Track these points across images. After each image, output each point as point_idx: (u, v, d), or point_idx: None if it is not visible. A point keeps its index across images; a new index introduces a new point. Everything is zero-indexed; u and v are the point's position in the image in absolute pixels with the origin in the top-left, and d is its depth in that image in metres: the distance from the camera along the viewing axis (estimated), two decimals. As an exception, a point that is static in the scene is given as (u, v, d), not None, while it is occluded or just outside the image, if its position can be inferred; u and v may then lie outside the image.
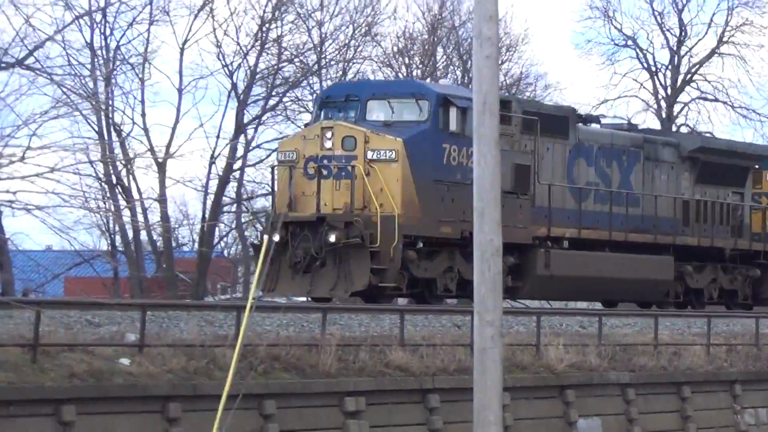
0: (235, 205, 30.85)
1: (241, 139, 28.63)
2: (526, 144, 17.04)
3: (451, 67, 33.93)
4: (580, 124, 19.05)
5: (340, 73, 30.20)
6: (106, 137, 24.78)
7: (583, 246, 18.48)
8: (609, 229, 18.73)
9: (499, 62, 32.40)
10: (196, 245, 32.75)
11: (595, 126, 20.15)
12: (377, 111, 15.58)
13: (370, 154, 14.97)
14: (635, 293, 20.32)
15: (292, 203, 15.36)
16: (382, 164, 14.95)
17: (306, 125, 17.37)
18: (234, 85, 28.51)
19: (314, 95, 24.97)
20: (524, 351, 12.62)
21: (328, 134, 15.23)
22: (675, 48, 38.48)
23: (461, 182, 15.04)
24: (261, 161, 29.52)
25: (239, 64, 28.82)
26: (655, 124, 35.79)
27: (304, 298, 16.04)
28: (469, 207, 14.35)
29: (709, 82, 38.84)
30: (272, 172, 17.29)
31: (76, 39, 25.32)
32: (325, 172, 15.19)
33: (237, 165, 28.55)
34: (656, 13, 38.19)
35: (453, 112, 15.24)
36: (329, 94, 17.92)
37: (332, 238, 14.58)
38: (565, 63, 78.83)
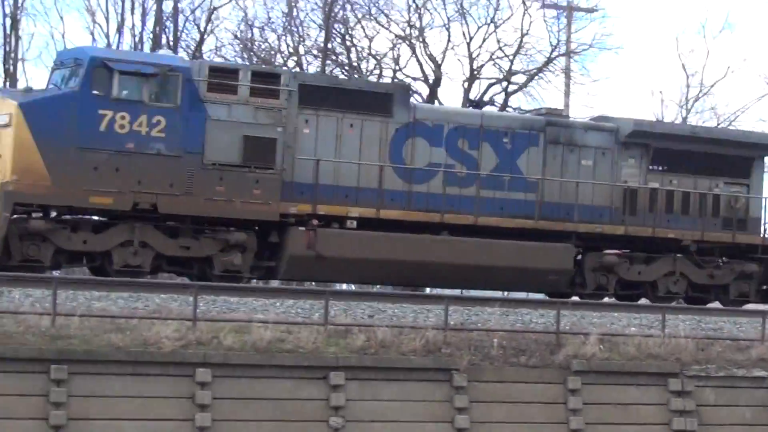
0: None
1: None
2: (307, 119, 16.35)
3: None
4: (425, 105, 17.59)
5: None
6: None
7: (417, 228, 16.52)
8: (470, 212, 16.77)
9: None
10: None
11: (447, 108, 18.16)
12: (56, 79, 15.87)
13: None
14: (500, 281, 17.51)
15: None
16: (-1, 130, 14.63)
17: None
18: None
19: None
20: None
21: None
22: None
23: (134, 151, 14.62)
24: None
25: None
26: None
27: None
28: (147, 176, 14.65)
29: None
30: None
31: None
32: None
33: None
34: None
35: (115, 78, 14.70)
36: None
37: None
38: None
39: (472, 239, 16.82)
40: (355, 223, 16.24)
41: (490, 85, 29.45)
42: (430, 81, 28.86)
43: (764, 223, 19.50)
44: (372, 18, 29.33)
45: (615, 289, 17.75)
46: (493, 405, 12.13)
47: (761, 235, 19.01)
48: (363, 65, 29.88)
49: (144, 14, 29.40)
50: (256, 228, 15.99)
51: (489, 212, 17.21)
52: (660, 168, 18.72)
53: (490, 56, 29.41)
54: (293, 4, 29.67)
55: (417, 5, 28.83)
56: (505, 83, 29.62)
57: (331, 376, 11.41)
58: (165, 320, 11.48)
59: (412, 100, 17.68)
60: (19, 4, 28.72)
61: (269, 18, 29.96)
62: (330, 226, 16.12)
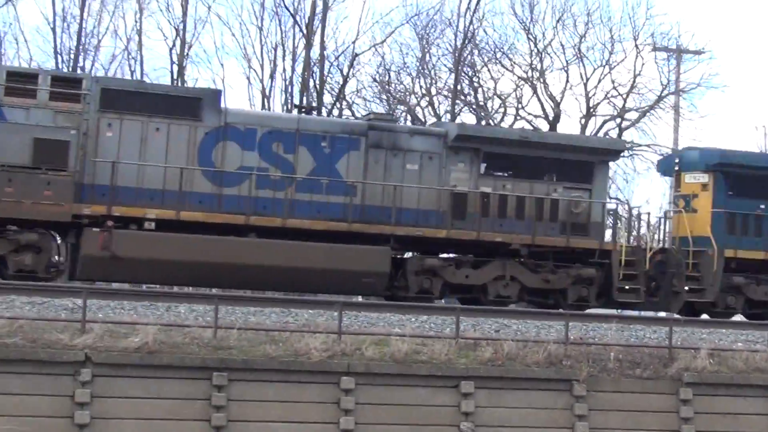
0: None
1: None
2: (110, 123, 16.38)
3: None
4: (240, 110, 17.69)
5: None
6: None
7: (226, 230, 16.38)
8: (280, 215, 16.63)
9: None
10: None
11: (261, 113, 18.20)
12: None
13: None
14: (313, 283, 16.98)
15: None
16: None
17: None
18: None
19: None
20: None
21: None
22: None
23: None
24: None
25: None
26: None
27: None
28: None
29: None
30: None
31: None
32: None
33: None
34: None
35: None
36: None
37: None
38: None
39: (279, 242, 16.60)
40: (153, 224, 16.15)
41: (605, 122, 32.93)
42: (550, 118, 31.98)
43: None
44: (497, 62, 32.90)
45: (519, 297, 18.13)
46: (610, 413, 13.28)
47: (600, 240, 18.52)
48: (489, 104, 33.52)
49: (294, 60, 32.75)
50: (56, 229, 16.04)
51: (305, 215, 17.06)
52: (493, 173, 18.44)
53: (605, 95, 32.64)
54: (426, 50, 33.38)
55: (538, 50, 32.34)
56: (618, 120, 32.81)
57: (461, 385, 12.61)
58: (313, 333, 12.75)
59: (224, 104, 17.62)
60: (185, 53, 32.35)
61: (404, 63, 33.81)
62: (128, 227, 16.07)
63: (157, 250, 15.90)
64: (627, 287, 18.20)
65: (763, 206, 19.45)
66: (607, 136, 31.67)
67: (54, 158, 15.69)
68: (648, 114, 32.71)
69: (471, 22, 31.78)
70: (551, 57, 32.60)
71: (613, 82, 32.48)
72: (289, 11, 31.83)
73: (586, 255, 18.20)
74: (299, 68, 32.16)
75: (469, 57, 32.77)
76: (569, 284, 17.99)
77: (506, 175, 18.50)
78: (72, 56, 30.98)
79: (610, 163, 20.84)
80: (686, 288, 18.50)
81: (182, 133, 16.78)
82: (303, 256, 16.56)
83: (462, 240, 17.74)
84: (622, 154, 21.63)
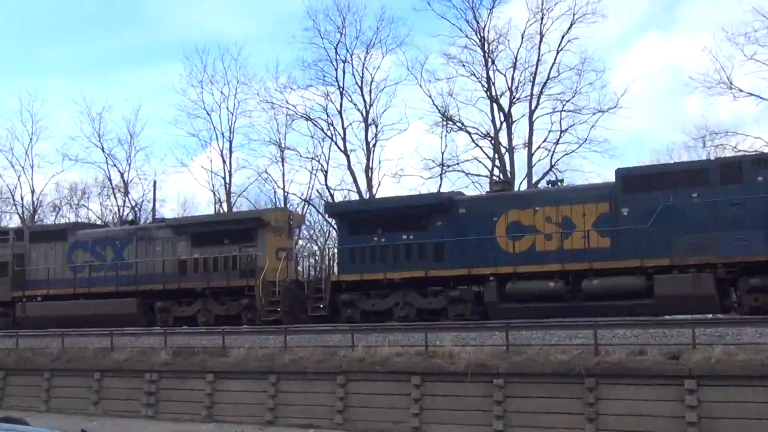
0: None
1: None
2: (29, 248, 32.37)
3: None
4: (84, 231, 32.36)
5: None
6: None
7: (74, 297, 31.14)
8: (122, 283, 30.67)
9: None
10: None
11: (92, 230, 32.24)
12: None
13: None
14: (104, 322, 29.49)
15: None
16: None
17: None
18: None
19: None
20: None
21: None
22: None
23: None
24: None
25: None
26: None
27: None
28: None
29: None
30: None
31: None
32: None
33: None
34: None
35: None
36: None
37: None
38: None
39: (80, 302, 31.05)
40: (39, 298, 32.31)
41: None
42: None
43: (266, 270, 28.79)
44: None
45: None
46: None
47: (257, 279, 28.28)
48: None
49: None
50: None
51: (109, 284, 31.17)
52: (198, 245, 29.80)
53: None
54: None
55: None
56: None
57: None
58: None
59: (80, 231, 32.77)
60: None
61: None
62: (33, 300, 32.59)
63: (49, 310, 31.87)
64: (269, 309, 28.01)
65: (376, 239, 26.85)
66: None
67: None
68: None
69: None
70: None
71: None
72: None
73: (250, 290, 28.27)
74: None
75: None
76: (241, 309, 28.53)
77: (205, 244, 29.62)
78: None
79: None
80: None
81: (58, 248, 32.51)
82: (91, 307, 30.64)
83: (174, 289, 29.69)
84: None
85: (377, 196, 45.88)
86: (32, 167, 60.06)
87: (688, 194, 22.25)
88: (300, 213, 34.23)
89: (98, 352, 25.21)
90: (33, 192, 60.35)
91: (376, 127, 50.58)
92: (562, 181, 28.38)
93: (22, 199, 60.91)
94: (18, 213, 60.69)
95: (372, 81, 50.70)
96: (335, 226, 28.94)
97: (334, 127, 51.13)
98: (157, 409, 23.10)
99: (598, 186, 25.44)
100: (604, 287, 22.80)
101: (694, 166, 23.93)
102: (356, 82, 50.96)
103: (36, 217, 59.00)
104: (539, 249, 24.14)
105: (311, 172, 51.73)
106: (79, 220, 50.37)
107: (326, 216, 30.86)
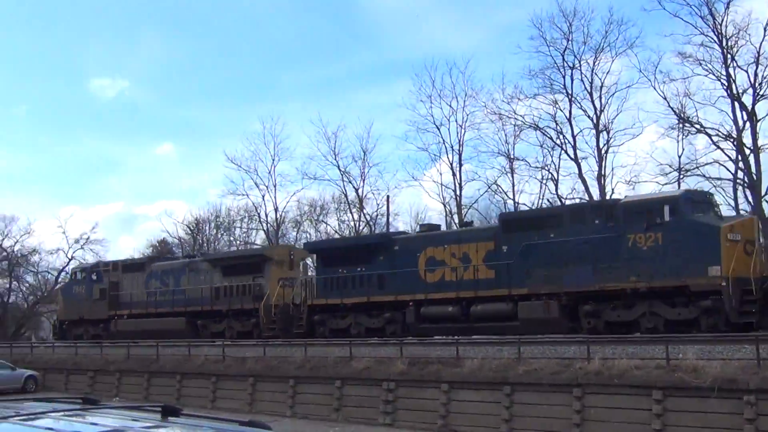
0: None
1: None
2: (121, 278, 41.86)
3: None
4: (157, 263, 41.12)
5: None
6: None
7: (148, 316, 40.16)
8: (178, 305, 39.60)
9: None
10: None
11: (161, 263, 40.94)
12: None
13: None
14: (164, 335, 38.13)
15: None
16: None
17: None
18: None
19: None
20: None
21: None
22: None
23: None
24: None
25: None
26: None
27: None
28: None
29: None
30: None
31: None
32: None
33: None
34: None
35: None
36: None
37: None
38: None
39: (151, 319, 40.16)
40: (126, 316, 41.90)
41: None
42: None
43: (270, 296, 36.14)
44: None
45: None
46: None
47: (261, 303, 35.77)
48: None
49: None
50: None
51: (167, 306, 40.09)
52: (227, 275, 37.86)
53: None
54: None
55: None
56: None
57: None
58: None
59: (154, 264, 41.94)
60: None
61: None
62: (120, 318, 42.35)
63: (134, 325, 41.42)
64: (269, 326, 35.39)
65: (341, 270, 33.53)
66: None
67: (109, 295, 43.00)
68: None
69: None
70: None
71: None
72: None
73: (265, 311, 35.87)
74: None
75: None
76: (251, 327, 36.25)
77: (231, 275, 37.70)
78: None
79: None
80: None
81: (138, 278, 42.01)
82: (162, 324, 39.71)
83: (215, 310, 37.90)
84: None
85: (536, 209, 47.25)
86: (275, 186, 64.11)
87: (547, 234, 27.02)
88: (300, 248, 41.28)
89: (338, 361, 26.31)
90: (276, 210, 64.41)
91: (608, 133, 49.68)
92: (471, 222, 33.49)
93: (266, 216, 65.19)
94: (263, 229, 66.23)
95: (602, 86, 49.95)
96: (313, 261, 36.10)
97: (564, 135, 50.95)
98: (395, 417, 23.73)
99: (487, 227, 30.67)
100: (485, 311, 28.00)
101: (552, 211, 28.55)
102: (585, 88, 50.41)
103: (279, 232, 63.81)
104: (447, 279, 29.69)
105: (541, 182, 51.81)
106: (256, 243, 63.23)
107: (308, 252, 37.92)
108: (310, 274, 37.77)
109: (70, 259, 70.14)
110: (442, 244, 30.26)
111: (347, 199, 60.98)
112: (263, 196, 64.25)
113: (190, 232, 73.29)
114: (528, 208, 43.18)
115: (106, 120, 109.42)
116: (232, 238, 71.56)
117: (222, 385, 29.80)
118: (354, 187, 60.29)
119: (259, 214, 65.87)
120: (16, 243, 71.32)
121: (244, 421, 4.08)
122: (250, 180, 64.00)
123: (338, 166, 60.26)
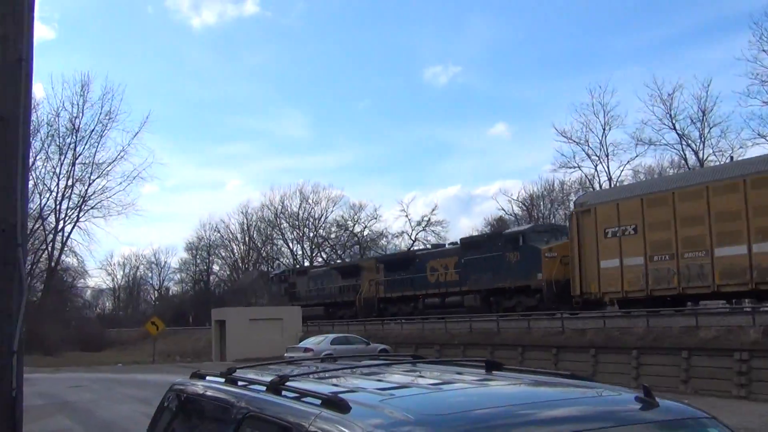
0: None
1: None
2: (295, 282, 62.08)
3: None
4: (313, 270, 60.74)
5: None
6: None
7: (307, 306, 60.20)
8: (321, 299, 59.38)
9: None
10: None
11: (316, 270, 60.43)
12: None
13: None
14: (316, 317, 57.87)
15: None
16: None
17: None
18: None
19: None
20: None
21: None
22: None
23: None
24: None
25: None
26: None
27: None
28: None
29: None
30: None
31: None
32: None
33: None
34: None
35: None
36: None
37: None
38: None
39: (308, 308, 60.54)
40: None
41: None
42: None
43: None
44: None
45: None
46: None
47: (358, 297, 54.10)
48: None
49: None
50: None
51: (316, 300, 60.31)
52: (344, 278, 56.63)
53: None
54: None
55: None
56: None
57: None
58: None
59: (311, 271, 62.11)
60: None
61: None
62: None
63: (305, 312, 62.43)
64: (363, 312, 53.75)
65: (394, 275, 50.95)
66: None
67: (289, 291, 64.42)
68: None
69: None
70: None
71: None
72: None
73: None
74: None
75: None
76: (354, 313, 54.96)
77: (344, 279, 56.52)
78: None
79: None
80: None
81: (305, 280, 62.66)
82: (313, 311, 60.09)
83: (337, 302, 57.36)
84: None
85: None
86: (607, 156, 63.82)
87: (477, 253, 42.56)
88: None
89: (684, 330, 25.19)
90: (610, 179, 62.78)
91: None
92: (456, 243, 48.84)
93: (600, 186, 62.06)
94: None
95: None
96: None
97: None
98: (750, 390, 22.01)
99: (456, 247, 46.02)
100: (451, 302, 44.18)
101: (480, 238, 43.89)
102: None
103: None
104: (440, 281, 46.11)
105: None
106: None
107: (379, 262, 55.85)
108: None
109: (414, 241, 77.17)
110: (437, 257, 46.59)
111: (686, 163, 57.51)
112: (596, 167, 64.43)
113: (525, 208, 75.27)
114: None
115: (439, 106, 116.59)
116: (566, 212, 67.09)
117: (563, 357, 29.63)
118: (693, 150, 57.45)
119: (592, 185, 64.13)
120: (365, 228, 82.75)
121: (566, 373, 4.24)
122: (582, 152, 64.57)
123: (675, 129, 57.64)
